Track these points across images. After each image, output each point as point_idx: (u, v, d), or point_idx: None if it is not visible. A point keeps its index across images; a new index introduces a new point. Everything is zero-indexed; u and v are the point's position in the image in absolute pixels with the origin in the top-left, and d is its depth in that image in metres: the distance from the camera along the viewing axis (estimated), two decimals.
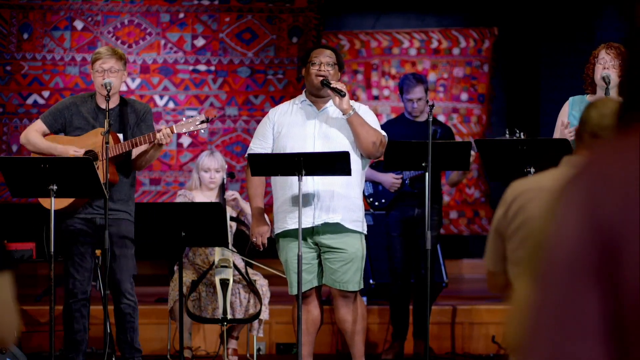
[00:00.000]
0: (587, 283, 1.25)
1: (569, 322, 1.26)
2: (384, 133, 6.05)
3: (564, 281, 1.27)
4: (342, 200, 5.98)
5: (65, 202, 6.24)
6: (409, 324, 7.40)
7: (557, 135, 5.99)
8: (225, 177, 7.26)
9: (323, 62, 6.01)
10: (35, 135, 6.35)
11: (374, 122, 6.08)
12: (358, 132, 5.92)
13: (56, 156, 6.20)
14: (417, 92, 7.28)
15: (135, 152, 6.31)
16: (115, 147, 6.16)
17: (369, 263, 8.04)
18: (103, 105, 6.26)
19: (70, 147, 6.26)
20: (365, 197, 7.52)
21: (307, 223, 5.91)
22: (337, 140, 5.99)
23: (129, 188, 6.39)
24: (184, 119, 6.38)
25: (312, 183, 5.92)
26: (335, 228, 5.98)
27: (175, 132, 6.12)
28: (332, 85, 5.89)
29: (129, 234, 6.30)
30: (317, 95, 6.06)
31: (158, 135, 6.03)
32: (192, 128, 6.17)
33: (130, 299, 6.34)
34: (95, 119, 6.28)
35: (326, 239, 5.99)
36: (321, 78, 5.96)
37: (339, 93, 5.86)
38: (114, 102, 6.27)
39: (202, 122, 6.14)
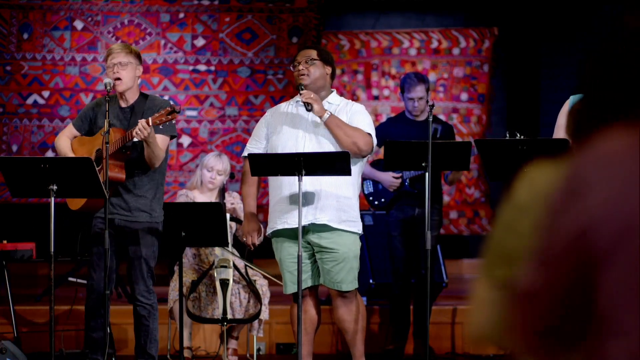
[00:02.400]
0: (569, 286, 1.28)
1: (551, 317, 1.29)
2: (369, 131, 6.03)
3: (550, 280, 1.29)
4: (330, 200, 5.97)
5: (79, 203, 6.24)
6: (410, 324, 7.39)
7: (556, 135, 5.98)
8: (225, 179, 7.28)
9: (301, 61, 6.04)
10: (63, 142, 6.40)
11: (365, 122, 6.05)
12: (336, 134, 5.94)
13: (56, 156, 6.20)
14: (418, 91, 7.28)
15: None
16: (113, 145, 6.14)
17: (368, 263, 8.04)
18: (123, 104, 6.27)
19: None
20: (365, 196, 7.51)
21: (296, 223, 5.90)
22: (327, 139, 6.00)
23: (152, 186, 6.29)
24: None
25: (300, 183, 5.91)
26: (325, 228, 5.98)
27: (150, 124, 6.00)
28: (302, 100, 5.92)
29: (145, 235, 6.25)
30: None
31: (134, 130, 5.98)
32: (163, 119, 6.05)
33: (144, 302, 6.28)
34: (116, 118, 6.27)
35: (317, 239, 5.99)
36: (300, 80, 6.00)
37: (306, 107, 5.90)
38: (131, 98, 6.27)
39: (170, 113, 6.05)
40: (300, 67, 6.03)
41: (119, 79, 6.18)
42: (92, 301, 6.25)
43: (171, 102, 6.44)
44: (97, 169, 5.98)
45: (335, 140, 5.96)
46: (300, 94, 5.94)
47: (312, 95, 5.92)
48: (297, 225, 5.89)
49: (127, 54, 6.24)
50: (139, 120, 5.96)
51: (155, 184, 6.31)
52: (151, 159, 6.12)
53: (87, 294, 6.31)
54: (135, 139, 6.01)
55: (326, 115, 5.92)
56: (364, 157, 6.08)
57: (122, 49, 6.25)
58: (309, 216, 5.95)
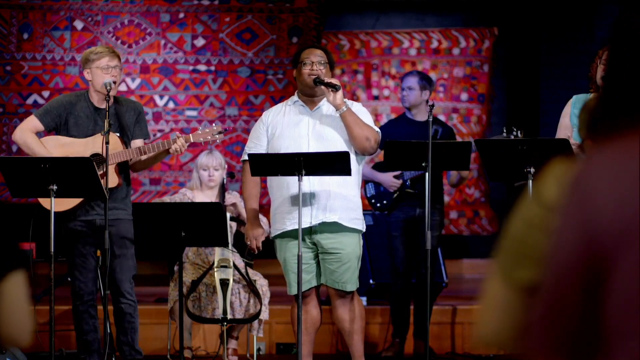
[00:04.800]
0: (576, 289, 1.27)
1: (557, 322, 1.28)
2: (377, 129, 6.05)
3: (557, 286, 1.29)
4: (339, 200, 5.97)
5: (66, 205, 6.23)
6: (410, 324, 7.39)
7: (559, 135, 5.96)
8: (225, 176, 7.27)
9: (314, 61, 6.02)
10: (32, 139, 6.30)
11: (370, 121, 6.08)
12: (351, 128, 5.93)
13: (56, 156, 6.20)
14: (410, 81, 7.31)
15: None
16: (125, 153, 6.16)
17: (368, 263, 8.04)
18: (99, 105, 6.26)
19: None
20: (367, 198, 7.52)
21: (305, 223, 5.90)
22: (331, 139, 5.99)
23: (127, 187, 6.40)
24: (199, 128, 6.41)
25: (308, 183, 5.91)
26: (333, 227, 5.97)
27: (192, 141, 6.12)
28: (325, 81, 5.89)
29: (128, 233, 6.29)
30: (310, 94, 6.07)
31: (174, 146, 6.06)
32: (209, 138, 6.18)
33: (130, 299, 6.34)
34: (91, 118, 6.27)
35: (323, 239, 5.98)
36: (314, 77, 5.96)
37: (334, 87, 5.87)
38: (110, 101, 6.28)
39: (219, 132, 6.15)
40: (315, 68, 6.01)
41: (115, 82, 6.19)
42: (83, 304, 6.26)
43: (141, 104, 6.55)
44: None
45: (348, 134, 5.95)
46: (323, 81, 5.90)
47: (338, 81, 5.94)
48: (306, 225, 5.90)
49: (119, 59, 6.29)
50: (179, 136, 6.12)
51: (129, 182, 6.42)
52: (147, 167, 6.25)
53: (73, 297, 6.30)
54: (168, 153, 6.17)
55: (344, 108, 5.92)
56: (370, 154, 6.09)
57: (116, 54, 6.27)
58: (319, 215, 5.95)
